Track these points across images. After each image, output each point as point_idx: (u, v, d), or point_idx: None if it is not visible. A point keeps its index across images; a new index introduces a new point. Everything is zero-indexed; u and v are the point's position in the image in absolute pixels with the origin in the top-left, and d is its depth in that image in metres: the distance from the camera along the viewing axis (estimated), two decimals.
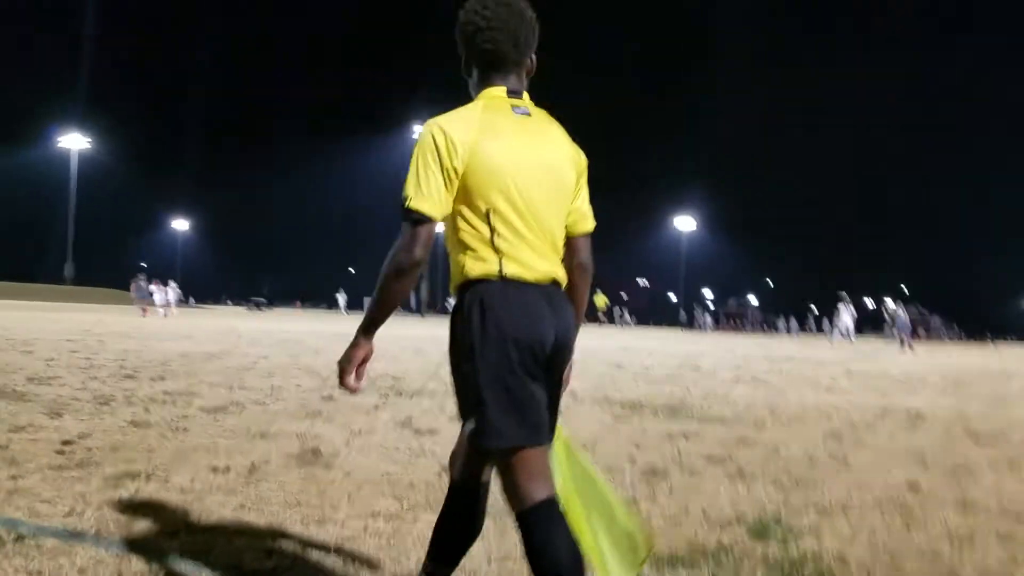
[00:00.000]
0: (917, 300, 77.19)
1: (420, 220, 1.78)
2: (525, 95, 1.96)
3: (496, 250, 1.83)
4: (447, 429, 5.00)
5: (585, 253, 2.03)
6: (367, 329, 1.86)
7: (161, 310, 29.55)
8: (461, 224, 1.85)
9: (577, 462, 2.03)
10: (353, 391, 1.88)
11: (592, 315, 42.47)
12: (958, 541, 2.98)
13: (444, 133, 1.81)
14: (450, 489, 2.06)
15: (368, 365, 1.89)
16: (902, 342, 23.52)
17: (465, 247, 1.85)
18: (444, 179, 1.80)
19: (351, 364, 1.85)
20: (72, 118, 77.83)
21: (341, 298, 54.87)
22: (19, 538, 2.59)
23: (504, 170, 1.83)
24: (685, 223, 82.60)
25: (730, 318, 74.90)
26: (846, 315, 25.47)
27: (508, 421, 1.78)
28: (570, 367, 2.02)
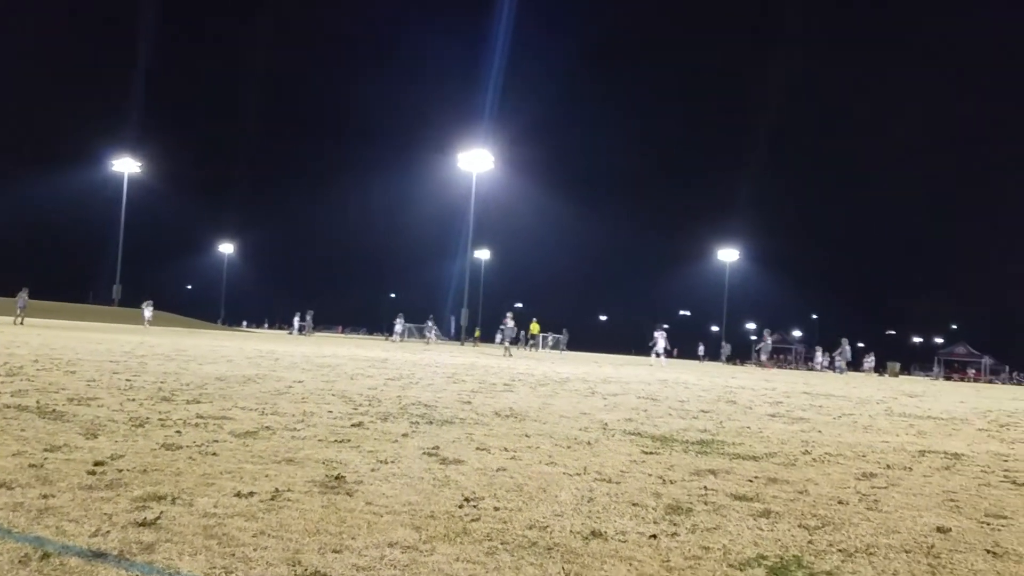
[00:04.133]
0: (967, 340, 75.59)
1: None
2: None
3: None
4: (474, 459, 5.02)
5: None
6: None
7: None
8: None
9: None
10: None
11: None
12: None
13: None
14: None
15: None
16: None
17: None
18: None
19: None
20: (124, 141, 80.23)
21: (296, 320, 57.37)
22: (45, 556, 2.67)
23: None
24: (728, 254, 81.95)
25: (773, 353, 73.74)
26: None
27: None
28: None
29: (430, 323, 55.34)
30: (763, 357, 46.94)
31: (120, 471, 4.05)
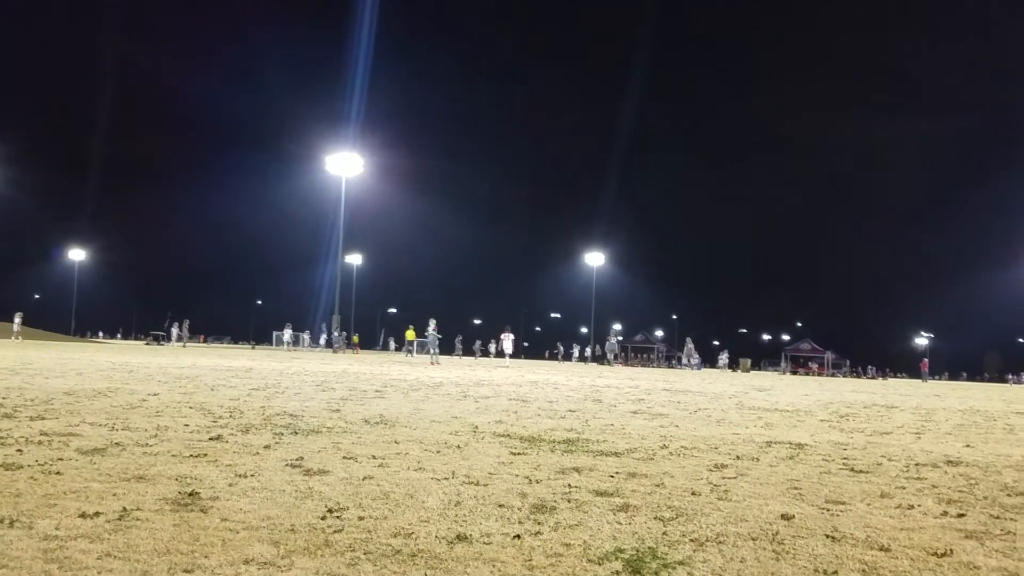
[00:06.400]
0: (811, 336, 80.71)
1: None
2: None
3: None
4: (340, 468, 4.94)
5: None
6: None
7: None
8: None
9: None
10: None
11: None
12: (823, 571, 3.10)
13: None
14: None
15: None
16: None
17: None
18: None
19: None
20: None
21: (175, 331, 55.17)
22: None
23: None
24: (595, 258, 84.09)
25: (637, 352, 76.41)
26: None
27: None
28: None
29: (332, 331, 55.33)
30: (609, 356, 51.02)
31: None
